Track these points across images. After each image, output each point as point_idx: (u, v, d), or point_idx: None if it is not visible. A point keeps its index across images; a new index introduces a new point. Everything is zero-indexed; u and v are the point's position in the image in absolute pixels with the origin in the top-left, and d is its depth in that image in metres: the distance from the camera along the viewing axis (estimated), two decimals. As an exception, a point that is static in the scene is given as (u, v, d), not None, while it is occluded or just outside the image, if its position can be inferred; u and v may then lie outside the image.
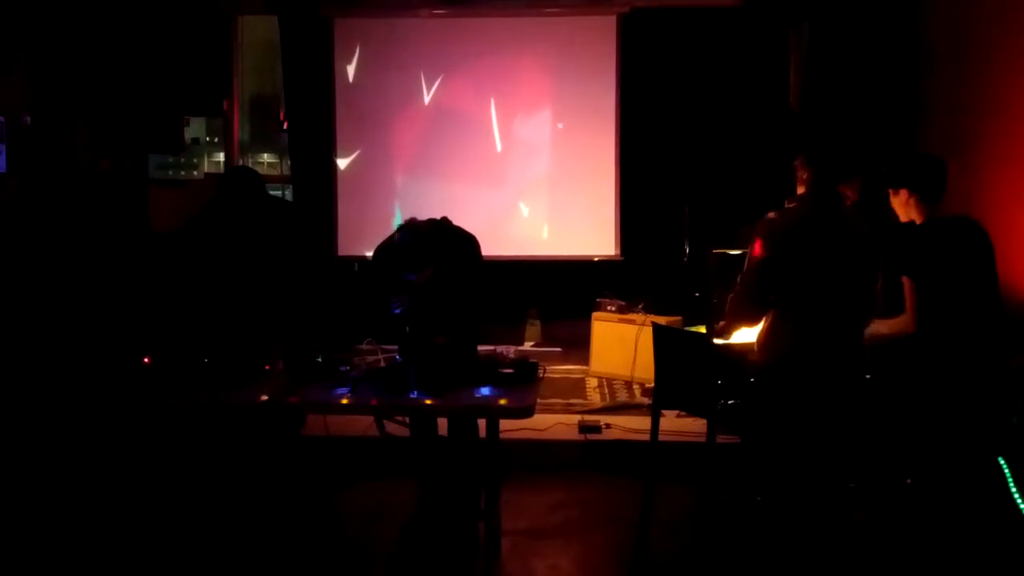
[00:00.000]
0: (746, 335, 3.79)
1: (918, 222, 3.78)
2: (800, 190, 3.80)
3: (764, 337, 3.64)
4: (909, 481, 3.77)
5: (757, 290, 3.58)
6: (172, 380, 3.80)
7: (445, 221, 4.17)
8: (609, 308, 6.68)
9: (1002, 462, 3.74)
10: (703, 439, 3.87)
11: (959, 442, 3.63)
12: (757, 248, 3.59)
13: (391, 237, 4.12)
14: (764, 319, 3.62)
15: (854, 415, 3.61)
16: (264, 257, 4.33)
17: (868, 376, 3.85)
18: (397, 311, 4.06)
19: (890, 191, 3.88)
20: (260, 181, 4.62)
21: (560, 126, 7.73)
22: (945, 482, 3.66)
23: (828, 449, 3.62)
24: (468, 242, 4.18)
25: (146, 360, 3.94)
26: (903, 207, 3.84)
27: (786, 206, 3.75)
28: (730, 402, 3.75)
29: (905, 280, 3.67)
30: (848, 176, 4.03)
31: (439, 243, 3.98)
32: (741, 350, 3.81)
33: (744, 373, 3.71)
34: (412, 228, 4.00)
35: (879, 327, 3.79)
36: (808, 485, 3.66)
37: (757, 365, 3.64)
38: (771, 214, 3.63)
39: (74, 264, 6.21)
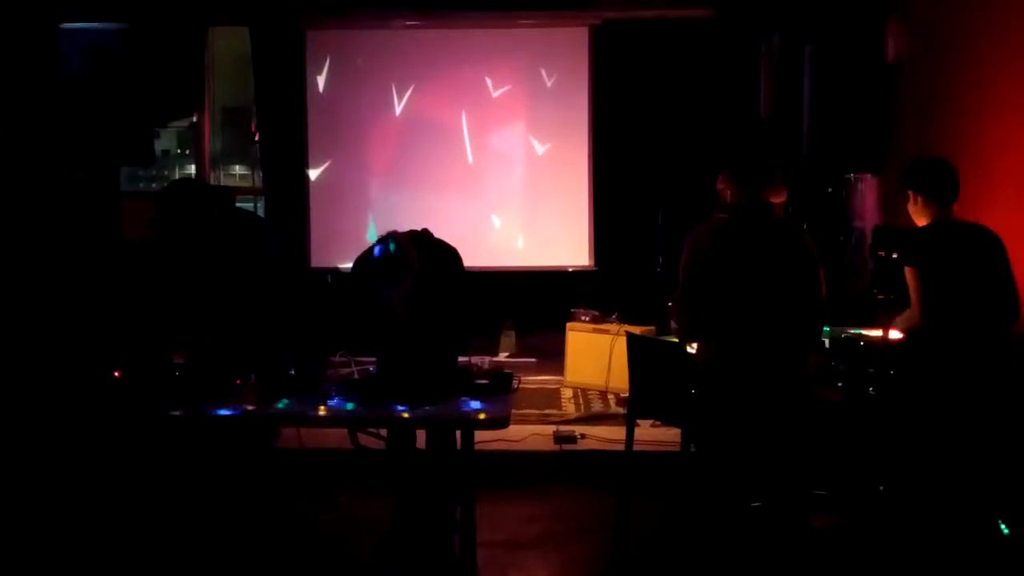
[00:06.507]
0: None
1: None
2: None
3: (701, 346, 3.61)
4: (881, 488, 3.78)
5: (691, 300, 3.54)
6: (143, 393, 3.75)
7: (426, 233, 4.14)
8: (583, 318, 6.68)
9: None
10: (678, 448, 3.87)
11: (964, 443, 3.62)
12: (685, 257, 3.56)
13: (369, 249, 4.07)
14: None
15: (798, 424, 3.55)
16: (230, 269, 4.27)
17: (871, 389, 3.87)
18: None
19: (909, 197, 3.88)
20: (203, 192, 4.25)
21: (532, 137, 7.73)
22: (930, 488, 3.65)
23: (771, 458, 3.57)
24: (450, 255, 4.15)
25: (117, 373, 3.90)
26: (915, 211, 3.85)
27: (715, 216, 3.73)
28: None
29: (909, 271, 3.66)
30: (768, 179, 3.97)
31: (418, 256, 3.93)
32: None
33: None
34: (390, 240, 3.95)
35: (896, 328, 3.81)
36: (749, 492, 3.61)
37: (698, 375, 3.60)
38: (700, 224, 3.61)
39: (46, 276, 6.14)
